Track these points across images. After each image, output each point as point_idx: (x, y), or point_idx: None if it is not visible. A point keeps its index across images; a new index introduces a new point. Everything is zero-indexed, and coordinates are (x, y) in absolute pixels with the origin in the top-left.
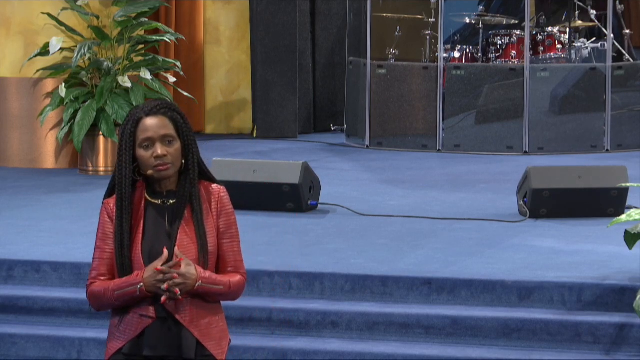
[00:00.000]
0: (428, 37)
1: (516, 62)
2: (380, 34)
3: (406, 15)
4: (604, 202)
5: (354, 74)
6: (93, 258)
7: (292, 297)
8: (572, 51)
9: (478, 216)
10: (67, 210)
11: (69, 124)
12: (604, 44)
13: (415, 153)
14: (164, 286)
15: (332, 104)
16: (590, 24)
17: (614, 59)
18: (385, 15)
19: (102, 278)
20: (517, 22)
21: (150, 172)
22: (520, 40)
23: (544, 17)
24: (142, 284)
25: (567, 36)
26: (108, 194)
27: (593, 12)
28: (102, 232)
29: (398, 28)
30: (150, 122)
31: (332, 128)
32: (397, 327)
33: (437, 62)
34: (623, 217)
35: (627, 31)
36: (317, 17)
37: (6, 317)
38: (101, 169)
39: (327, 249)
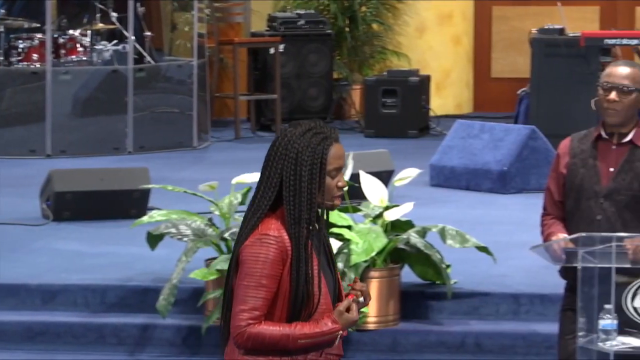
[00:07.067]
0: None
1: (38, 66)
2: None
3: None
4: (126, 204)
5: None
6: (254, 296)
7: None
8: (94, 54)
9: (1, 220)
10: None
11: None
12: (125, 46)
13: None
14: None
15: None
16: (112, 26)
17: (136, 61)
18: None
19: (262, 319)
20: (39, 25)
21: (336, 201)
22: (42, 43)
23: (65, 19)
24: (340, 332)
25: (88, 39)
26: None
27: (114, 15)
28: (271, 270)
29: None
30: (341, 149)
31: None
32: None
33: None
34: (145, 218)
35: (148, 33)
36: None
37: None
38: None
39: None
